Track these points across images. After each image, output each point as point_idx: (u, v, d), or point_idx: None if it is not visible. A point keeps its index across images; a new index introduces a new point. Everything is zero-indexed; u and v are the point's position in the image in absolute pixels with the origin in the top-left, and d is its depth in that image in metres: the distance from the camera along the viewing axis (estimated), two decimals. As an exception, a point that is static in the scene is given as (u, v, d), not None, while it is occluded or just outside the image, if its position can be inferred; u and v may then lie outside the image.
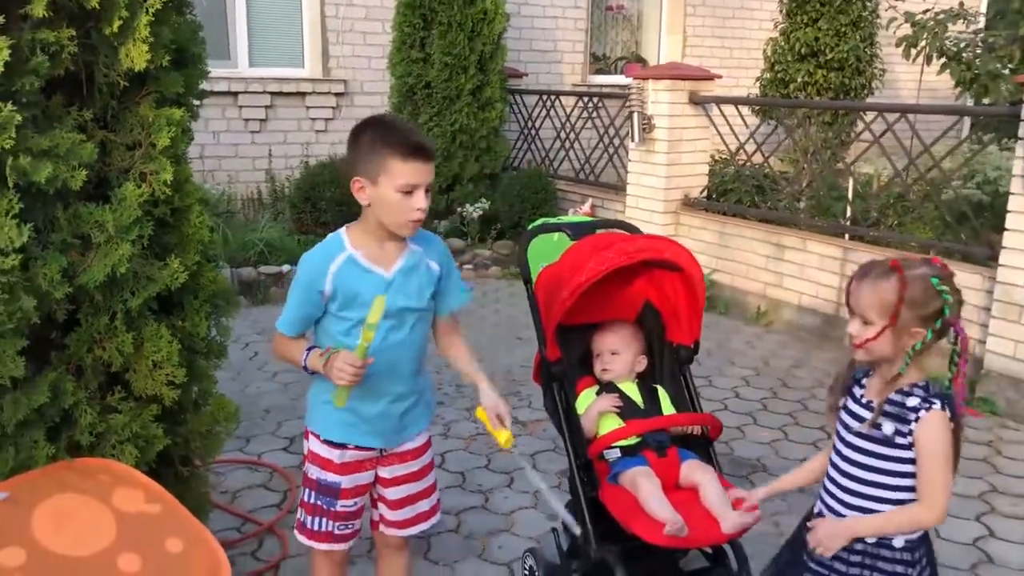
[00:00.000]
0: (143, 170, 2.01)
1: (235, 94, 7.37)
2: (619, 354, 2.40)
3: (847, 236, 5.34)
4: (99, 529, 1.77)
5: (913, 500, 1.77)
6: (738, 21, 9.95)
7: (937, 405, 1.72)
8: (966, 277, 4.41)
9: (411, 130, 1.99)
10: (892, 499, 1.78)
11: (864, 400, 1.84)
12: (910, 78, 10.59)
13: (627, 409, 2.34)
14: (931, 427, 1.72)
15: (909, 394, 1.75)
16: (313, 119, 7.79)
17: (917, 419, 1.73)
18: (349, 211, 6.34)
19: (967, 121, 10.57)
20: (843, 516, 1.83)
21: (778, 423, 4.00)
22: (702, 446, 2.39)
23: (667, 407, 2.40)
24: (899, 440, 1.75)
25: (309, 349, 2.00)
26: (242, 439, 3.71)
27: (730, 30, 9.96)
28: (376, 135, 1.95)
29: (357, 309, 1.98)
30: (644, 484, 2.16)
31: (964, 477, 3.43)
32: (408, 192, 1.91)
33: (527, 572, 2.65)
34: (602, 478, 2.29)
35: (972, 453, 3.66)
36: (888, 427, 1.76)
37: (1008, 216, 4.09)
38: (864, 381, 1.89)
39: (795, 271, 5.34)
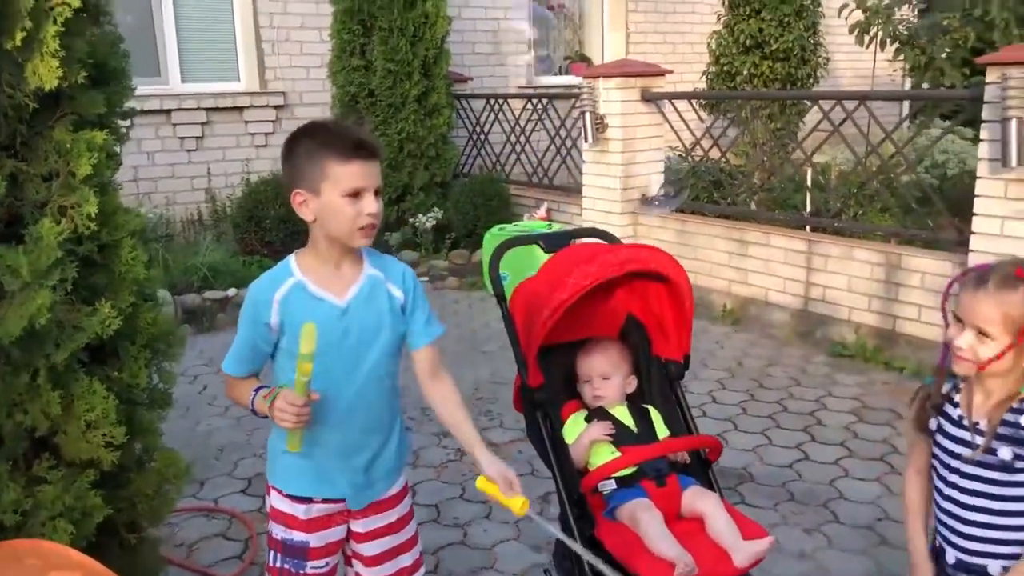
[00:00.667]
0: (63, 203, 1.76)
1: (168, 111, 7.02)
2: (610, 378, 2.21)
3: (808, 228, 5.26)
4: (30, 625, 1.53)
5: None
6: (680, 16, 9.90)
7: None
8: (935, 264, 4.35)
9: (350, 129, 1.77)
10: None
11: (965, 421, 1.66)
12: (849, 66, 10.68)
13: (620, 435, 2.15)
14: None
15: (1022, 411, 1.58)
16: (252, 134, 7.47)
17: None
18: (296, 228, 6.09)
19: (906, 106, 10.73)
20: (973, 553, 1.66)
21: (759, 427, 3.86)
22: (700, 469, 2.22)
23: (661, 429, 2.22)
24: (1020, 464, 1.57)
25: (256, 390, 1.77)
26: (195, 483, 3.43)
27: (672, 25, 9.89)
28: (311, 141, 1.73)
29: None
30: (646, 518, 1.97)
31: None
32: (355, 195, 1.69)
33: (518, 616, 2.45)
34: (597, 513, 2.10)
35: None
36: (1005, 452, 1.59)
37: (976, 201, 4.03)
38: (956, 398, 1.70)
39: (760, 267, 5.24)
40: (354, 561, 1.97)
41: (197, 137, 7.22)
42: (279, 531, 1.87)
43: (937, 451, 1.71)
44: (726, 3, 8.20)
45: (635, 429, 2.19)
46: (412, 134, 6.83)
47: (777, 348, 4.92)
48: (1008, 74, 3.68)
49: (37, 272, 1.61)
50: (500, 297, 2.29)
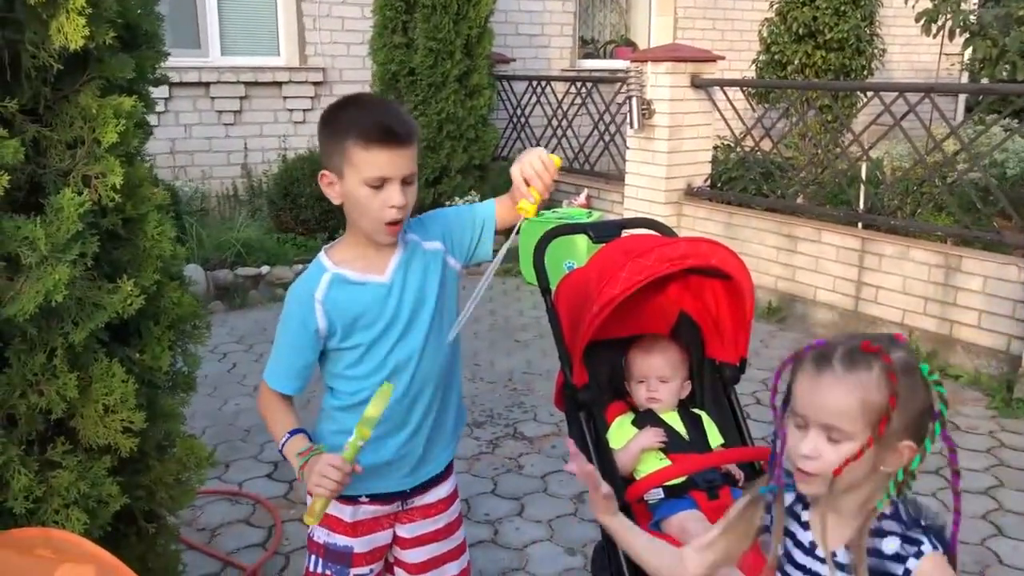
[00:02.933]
0: (86, 172, 1.64)
1: (207, 84, 6.95)
2: (668, 381, 2.07)
3: (860, 225, 5.04)
4: (37, 620, 1.43)
5: None
6: (730, 1, 9.62)
7: (926, 545, 1.19)
8: (998, 268, 4.12)
9: (380, 109, 1.61)
10: None
11: (820, 552, 1.27)
12: (904, 58, 10.34)
13: (671, 442, 2.00)
14: None
15: (881, 533, 1.22)
16: (291, 110, 7.37)
17: (906, 572, 1.19)
18: (331, 207, 5.98)
19: (960, 102, 10.35)
20: None
21: (806, 432, 3.68)
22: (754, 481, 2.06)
23: (714, 438, 2.07)
24: None
25: (293, 432, 1.63)
26: (220, 465, 3.35)
27: (722, 11, 9.62)
28: (340, 117, 1.58)
29: (363, 331, 1.63)
30: (697, 532, 1.82)
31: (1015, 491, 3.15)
32: (377, 187, 1.55)
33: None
34: (642, 524, 1.95)
35: (1016, 464, 3.38)
36: None
37: (1048, 203, 3.79)
38: (805, 516, 1.31)
39: (809, 263, 5.03)
40: (396, 569, 1.84)
41: (235, 111, 7.14)
42: (321, 534, 1.75)
43: None
44: (780, -11, 7.94)
45: (687, 436, 2.05)
46: (452, 115, 6.68)
47: (824, 349, 4.71)
48: (1092, 68, 3.44)
49: (55, 245, 1.50)
50: (545, 290, 2.14)
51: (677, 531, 1.87)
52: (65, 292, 1.50)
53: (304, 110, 7.41)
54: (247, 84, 7.11)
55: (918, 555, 1.19)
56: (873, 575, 1.20)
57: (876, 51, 7.94)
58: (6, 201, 1.53)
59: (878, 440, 1.17)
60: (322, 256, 1.66)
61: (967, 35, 4.93)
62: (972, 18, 4.95)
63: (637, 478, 1.96)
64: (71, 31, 1.53)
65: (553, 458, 3.42)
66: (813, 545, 1.29)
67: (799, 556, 1.31)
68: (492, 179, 6.85)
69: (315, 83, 7.39)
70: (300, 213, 6.20)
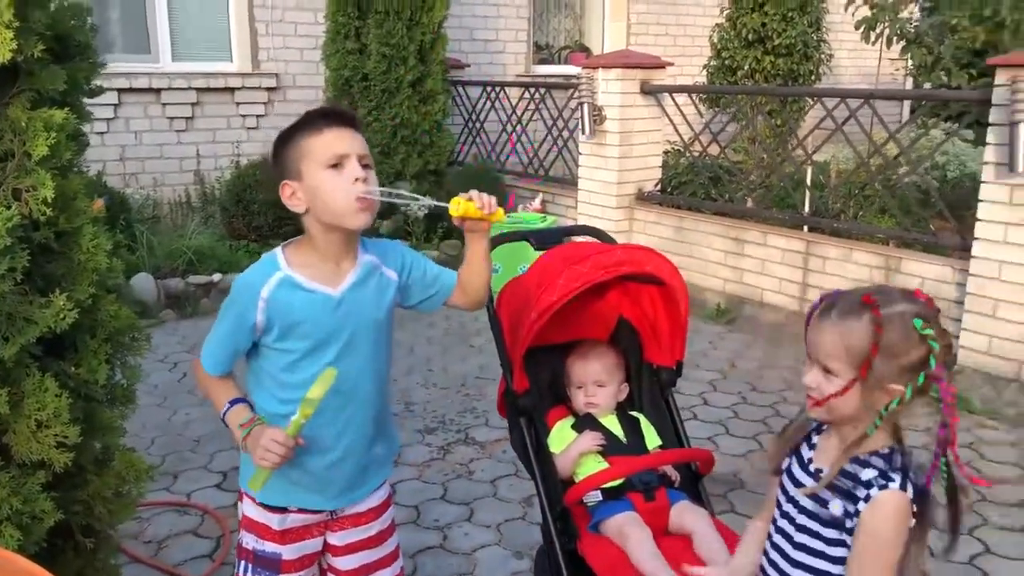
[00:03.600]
0: (16, 186, 1.64)
1: (158, 91, 6.86)
2: (605, 385, 2.11)
3: (806, 228, 5.15)
4: (-32, 640, 1.41)
5: None
6: (683, 8, 9.75)
7: (895, 483, 1.33)
8: (935, 269, 4.25)
9: (321, 107, 1.68)
10: None
11: (813, 467, 1.45)
12: (851, 63, 10.56)
13: (609, 445, 2.05)
14: (881, 511, 1.33)
15: (866, 463, 1.37)
16: (244, 116, 7.31)
17: (867, 497, 1.34)
18: (284, 214, 5.93)
19: (906, 106, 10.60)
20: None
21: (751, 431, 3.77)
22: (690, 482, 2.12)
23: (652, 440, 2.12)
24: (850, 524, 1.36)
25: (233, 402, 1.66)
26: (168, 475, 3.32)
27: (674, 17, 9.75)
28: (288, 130, 1.64)
29: (299, 339, 1.63)
30: (633, 534, 1.87)
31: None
32: (336, 165, 1.57)
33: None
34: (581, 526, 2.00)
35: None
36: (836, 507, 1.38)
37: (980, 206, 3.93)
38: (816, 439, 1.49)
39: (756, 266, 5.14)
40: (329, 575, 1.86)
41: (187, 117, 7.07)
42: (250, 540, 1.76)
43: (779, 496, 1.51)
44: (730, -4, 8.10)
45: (624, 439, 2.09)
46: (406, 120, 6.69)
47: (771, 350, 4.82)
48: (1019, 77, 3.57)
49: (-17, 260, 1.49)
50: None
51: (615, 533, 1.91)
52: (-5, 307, 1.49)
53: (257, 116, 7.36)
54: (199, 90, 7.04)
55: (883, 487, 1.33)
56: (841, 495, 1.37)
57: (823, 56, 8.14)
58: (-67, 216, 1.52)
59: (862, 381, 1.33)
60: (278, 253, 1.65)
61: (904, 43, 5.08)
62: (909, 26, 5.10)
63: (577, 481, 2.00)
64: (-2, 45, 1.53)
65: (504, 463, 3.45)
66: (810, 461, 1.47)
67: (796, 469, 1.48)
68: (447, 184, 6.87)
69: (268, 88, 7.34)
70: (253, 220, 6.15)
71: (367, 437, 1.73)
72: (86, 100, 1.93)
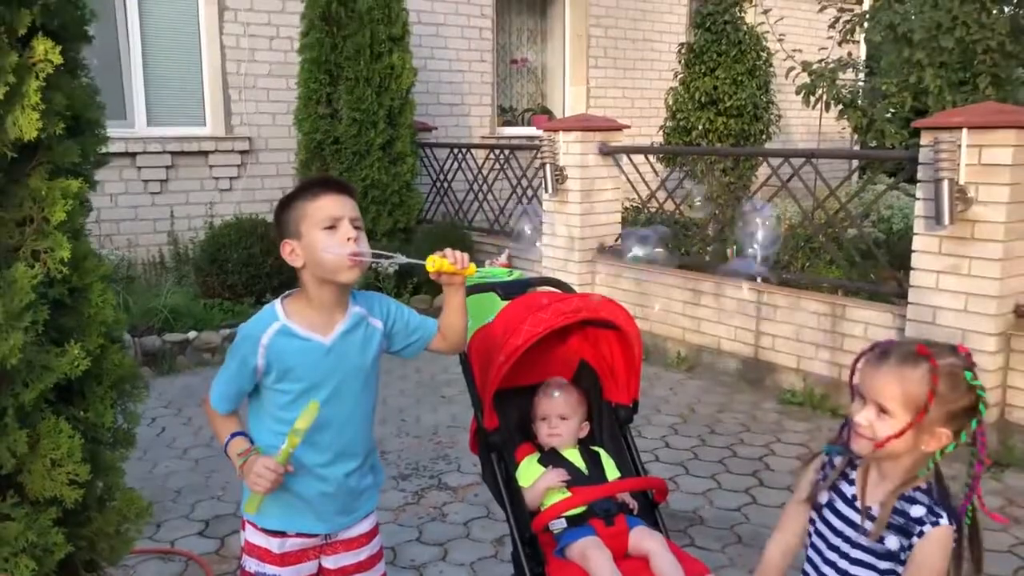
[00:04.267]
0: (35, 248, 1.83)
1: (133, 155, 7.06)
2: (567, 419, 2.31)
3: (759, 279, 5.44)
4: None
5: None
6: (638, 72, 10.24)
7: (944, 520, 1.50)
8: (877, 315, 4.54)
9: (320, 174, 1.92)
10: None
11: (859, 503, 1.59)
12: (801, 123, 11.10)
13: (572, 477, 2.24)
14: (931, 545, 1.50)
15: (913, 501, 1.53)
16: (217, 178, 7.53)
17: (921, 533, 1.50)
18: (258, 272, 6.15)
19: (855, 163, 11.13)
20: None
21: (710, 471, 3.97)
22: (647, 510, 2.32)
23: (611, 471, 2.32)
24: (904, 556, 1.52)
25: (234, 435, 1.85)
26: (152, 525, 3.43)
27: (631, 81, 10.22)
28: (289, 196, 1.88)
29: (294, 381, 1.83)
30: (594, 556, 2.05)
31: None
32: (332, 227, 1.79)
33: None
34: (548, 552, 2.18)
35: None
36: (893, 542, 1.53)
37: (913, 256, 4.24)
38: (852, 475, 1.63)
39: (712, 315, 5.41)
40: None
41: (161, 180, 7.26)
42: (253, 564, 1.92)
43: (823, 527, 1.63)
44: (682, 61, 8.55)
45: (586, 471, 2.29)
46: (376, 181, 6.95)
47: (729, 395, 5.06)
48: (939, 138, 3.91)
49: (11, 314, 1.67)
50: (457, 343, 2.38)
51: (578, 556, 2.09)
52: (20, 356, 1.67)
53: (231, 178, 7.58)
54: (173, 154, 7.25)
55: (935, 524, 1.49)
56: (895, 531, 1.52)
57: (773, 116, 8.59)
58: (-38, 275, 1.70)
59: (917, 425, 1.48)
60: (277, 305, 1.87)
61: (841, 106, 5.47)
62: (845, 92, 5.50)
63: (543, 510, 2.19)
64: (26, 124, 1.74)
65: (476, 505, 3.61)
66: (854, 497, 1.59)
67: (840, 505, 1.60)
68: (417, 241, 7.10)
69: (241, 151, 7.58)
70: (227, 278, 6.31)
71: (356, 468, 1.92)
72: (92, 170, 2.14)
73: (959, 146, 3.88)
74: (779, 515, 3.53)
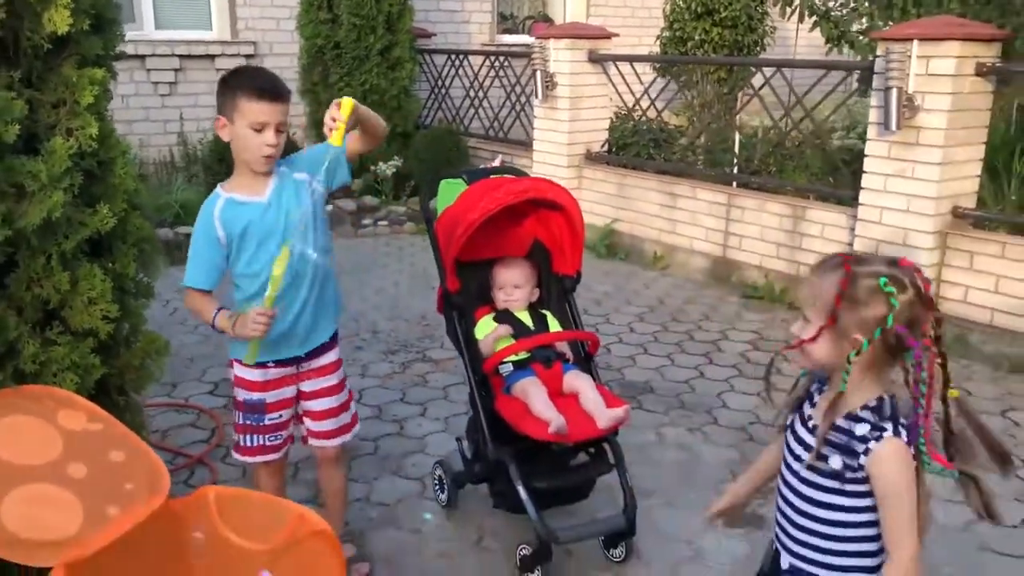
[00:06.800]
0: (69, 126, 2.21)
1: (143, 57, 7.35)
2: (520, 287, 2.73)
3: (734, 184, 5.79)
4: (48, 443, 2.02)
5: (878, 544, 1.52)
6: (639, -19, 10.29)
7: (888, 431, 1.45)
8: (832, 216, 4.91)
9: (263, 75, 2.27)
10: (855, 540, 1.53)
11: (811, 423, 1.57)
12: (800, 34, 11.15)
13: (521, 332, 2.67)
14: (885, 462, 1.45)
15: (858, 419, 1.48)
16: (223, 81, 7.80)
17: (866, 451, 1.46)
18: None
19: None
20: (805, 560, 1.58)
21: (666, 351, 4.42)
22: (584, 362, 2.75)
23: (554, 328, 2.74)
24: (850, 475, 1.48)
25: (219, 309, 2.26)
26: (168, 384, 3.92)
27: (632, -10, 10.30)
28: (233, 80, 2.27)
29: (251, 237, 2.24)
30: (532, 391, 2.50)
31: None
32: (258, 130, 2.17)
33: (436, 481, 2.99)
34: (497, 391, 2.63)
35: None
36: (836, 461, 1.49)
37: (865, 160, 4.57)
38: (816, 397, 1.61)
39: (687, 218, 5.77)
40: (305, 419, 2.49)
41: (170, 83, 7.56)
42: (242, 394, 2.38)
43: (785, 448, 1.62)
44: (681, -29, 8.64)
45: (533, 328, 2.72)
46: (375, 86, 7.23)
47: (696, 290, 5.47)
48: (891, 48, 4.20)
49: (53, 177, 2.07)
50: (428, 221, 2.78)
51: (520, 392, 2.54)
52: (61, 211, 2.08)
53: (236, 81, 7.85)
54: (181, 57, 7.53)
55: (878, 439, 1.45)
56: (840, 450, 1.49)
57: (767, 28, 8.72)
58: (11, 146, 2.09)
59: (832, 330, 1.46)
60: (218, 188, 2.32)
61: (815, 18, 5.69)
62: (818, 3, 5.70)
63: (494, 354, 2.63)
64: (59, 20, 2.09)
65: (453, 374, 4.07)
66: (809, 418, 1.59)
67: (798, 426, 1.61)
68: (414, 146, 7.43)
69: (247, 56, 7.84)
70: (234, 177, 6.67)
71: (316, 298, 2.34)
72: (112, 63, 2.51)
73: (909, 56, 4.17)
74: (721, 387, 3.99)
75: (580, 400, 2.54)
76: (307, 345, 2.38)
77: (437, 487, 3.00)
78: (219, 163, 6.73)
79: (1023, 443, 3.43)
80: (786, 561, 1.62)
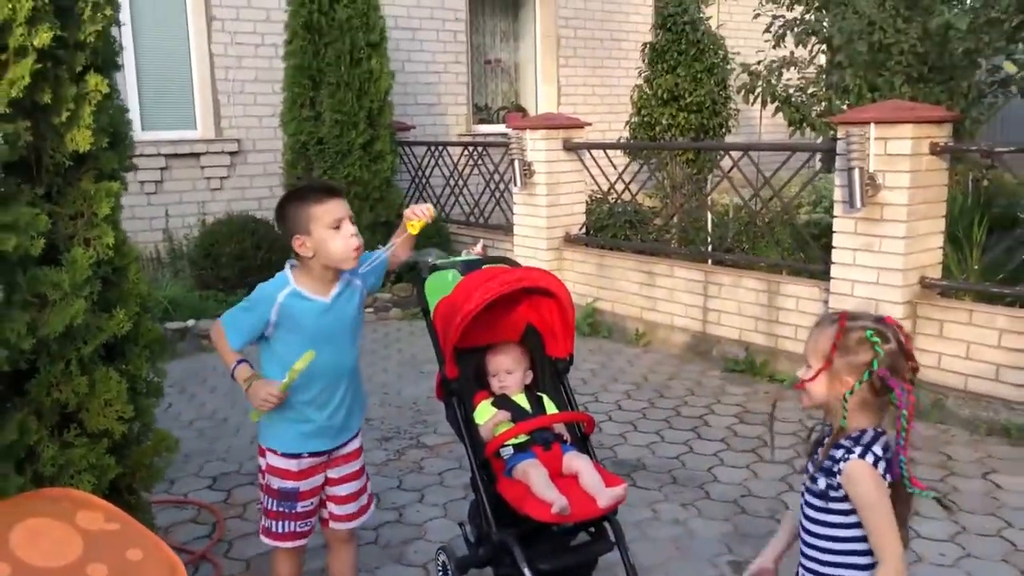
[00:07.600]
0: (87, 236, 2.34)
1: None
2: (512, 372, 2.84)
3: (709, 261, 6.00)
4: (68, 545, 2.07)
5: (870, 558, 1.75)
6: (606, 70, 10.77)
7: (855, 453, 1.72)
8: (806, 290, 5.10)
9: (316, 181, 2.48)
10: (846, 553, 1.77)
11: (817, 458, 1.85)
12: (764, 117, 11.66)
13: (518, 416, 2.77)
14: (854, 479, 1.71)
15: (839, 446, 1.76)
16: (208, 178, 8.01)
17: (839, 471, 1.73)
18: (248, 265, 6.65)
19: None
20: (809, 572, 1.84)
21: (655, 428, 4.52)
22: (580, 441, 2.85)
23: (551, 410, 2.85)
24: (832, 494, 1.76)
25: (240, 362, 2.37)
26: (166, 481, 3.94)
27: (599, 79, 10.76)
28: (294, 197, 2.42)
29: (300, 332, 2.36)
30: (533, 473, 2.59)
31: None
32: (336, 227, 2.32)
33: (440, 567, 3.03)
34: (499, 474, 2.71)
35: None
36: (821, 482, 1.78)
37: (834, 236, 4.79)
38: (826, 440, 1.86)
39: (666, 295, 5.95)
40: (328, 503, 2.58)
41: (156, 181, 7.74)
42: (276, 482, 2.46)
43: (802, 487, 1.89)
44: (646, 60, 9.07)
45: (530, 411, 2.82)
46: (358, 178, 7.44)
47: (679, 365, 5.61)
48: (850, 131, 4.47)
49: (75, 285, 2.18)
50: (425, 311, 2.91)
51: (521, 474, 2.62)
52: (82, 318, 2.18)
53: (221, 177, 8.07)
54: (167, 156, 7.73)
55: (846, 460, 1.72)
56: (824, 472, 1.77)
57: (731, 111, 9.14)
58: (35, 258, 2.21)
59: (827, 372, 1.75)
60: (288, 274, 2.41)
61: (776, 104, 6.02)
62: (779, 89, 6.04)
63: (495, 438, 2.72)
64: (81, 140, 2.25)
65: (449, 460, 4.14)
66: (818, 455, 1.85)
67: (809, 464, 1.87)
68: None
69: (231, 152, 8.07)
70: (221, 271, 6.81)
71: (349, 396, 2.49)
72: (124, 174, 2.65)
73: (868, 138, 4.44)
74: (711, 462, 4.08)
75: (580, 480, 2.63)
76: (340, 438, 2.52)
77: (441, 573, 3.04)
78: (205, 258, 6.86)
79: (1006, 505, 3.55)
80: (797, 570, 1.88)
